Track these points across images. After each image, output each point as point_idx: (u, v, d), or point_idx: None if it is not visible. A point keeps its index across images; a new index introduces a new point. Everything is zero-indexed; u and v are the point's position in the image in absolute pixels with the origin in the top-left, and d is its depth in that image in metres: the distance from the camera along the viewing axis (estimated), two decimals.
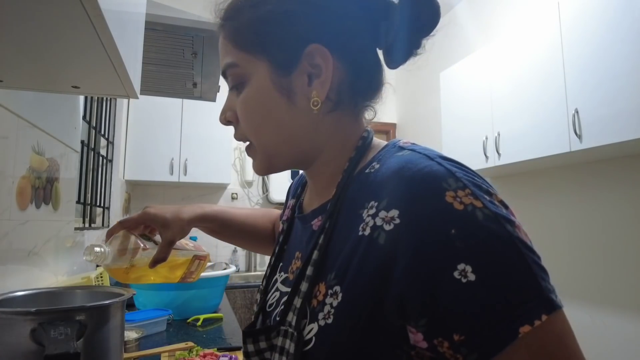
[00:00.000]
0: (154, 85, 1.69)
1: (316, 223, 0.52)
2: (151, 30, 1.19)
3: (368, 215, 0.42)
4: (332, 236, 0.46)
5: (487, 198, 0.37)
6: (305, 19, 0.47)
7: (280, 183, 3.55)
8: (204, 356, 1.04)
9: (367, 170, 0.46)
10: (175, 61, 1.45)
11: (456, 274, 0.35)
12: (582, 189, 2.15)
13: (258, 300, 0.58)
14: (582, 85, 1.80)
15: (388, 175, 0.42)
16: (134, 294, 0.76)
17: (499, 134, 2.26)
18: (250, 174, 3.61)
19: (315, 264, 0.45)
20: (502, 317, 0.34)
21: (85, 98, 1.91)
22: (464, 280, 0.34)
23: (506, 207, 0.38)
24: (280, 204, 3.69)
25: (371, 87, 0.51)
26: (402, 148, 0.46)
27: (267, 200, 3.70)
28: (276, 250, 0.60)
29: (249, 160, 3.60)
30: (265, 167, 0.52)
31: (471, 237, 0.35)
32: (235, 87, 0.50)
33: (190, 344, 1.16)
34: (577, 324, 1.91)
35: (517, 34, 2.19)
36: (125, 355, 1.06)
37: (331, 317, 0.41)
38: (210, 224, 0.76)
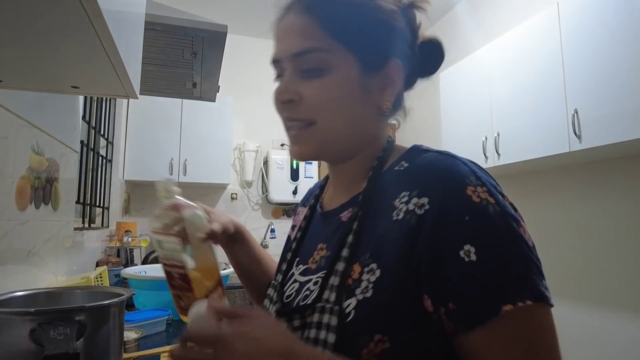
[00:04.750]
0: (153, 85, 1.69)
1: (345, 215, 0.56)
2: (151, 30, 1.19)
3: (401, 203, 0.48)
4: (364, 222, 0.51)
5: (500, 198, 0.45)
6: (396, 37, 0.54)
7: (280, 183, 3.54)
8: None
9: (396, 168, 0.54)
10: (175, 61, 1.45)
11: (461, 253, 0.42)
12: (582, 189, 2.15)
13: (273, 294, 0.60)
14: (581, 86, 1.80)
15: (419, 170, 0.50)
16: (134, 294, 0.76)
17: (498, 134, 2.26)
18: (250, 174, 3.60)
19: (350, 246, 0.50)
20: (490, 295, 0.40)
21: (85, 98, 1.91)
22: (466, 259, 0.41)
23: (515, 209, 0.45)
24: (280, 204, 3.69)
25: (402, 103, 0.61)
26: (427, 150, 0.53)
27: (267, 201, 3.70)
28: (293, 246, 0.64)
29: (248, 161, 3.60)
30: (315, 151, 0.56)
31: (480, 225, 0.42)
32: (310, 71, 0.53)
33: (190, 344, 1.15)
34: (577, 324, 1.90)
35: (517, 34, 2.19)
36: (125, 355, 1.06)
37: (370, 290, 0.45)
38: (237, 236, 0.73)
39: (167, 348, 1.13)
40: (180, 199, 0.59)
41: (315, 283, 0.52)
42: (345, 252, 0.50)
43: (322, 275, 0.51)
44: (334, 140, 0.55)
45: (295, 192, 3.55)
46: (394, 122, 0.63)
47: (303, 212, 0.71)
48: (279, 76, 0.59)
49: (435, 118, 3.26)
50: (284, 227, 3.74)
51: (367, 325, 0.44)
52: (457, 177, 0.45)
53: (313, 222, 0.64)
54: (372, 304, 0.45)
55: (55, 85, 0.85)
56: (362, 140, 0.57)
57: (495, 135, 2.28)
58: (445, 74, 2.75)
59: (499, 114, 2.28)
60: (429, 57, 0.59)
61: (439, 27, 3.52)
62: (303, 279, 0.56)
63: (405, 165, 0.53)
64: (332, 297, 0.47)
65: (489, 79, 2.36)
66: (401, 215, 0.47)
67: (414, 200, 0.46)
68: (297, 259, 0.61)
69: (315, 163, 3.64)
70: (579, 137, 1.79)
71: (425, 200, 0.45)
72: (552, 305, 0.42)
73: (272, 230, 3.67)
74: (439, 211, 0.44)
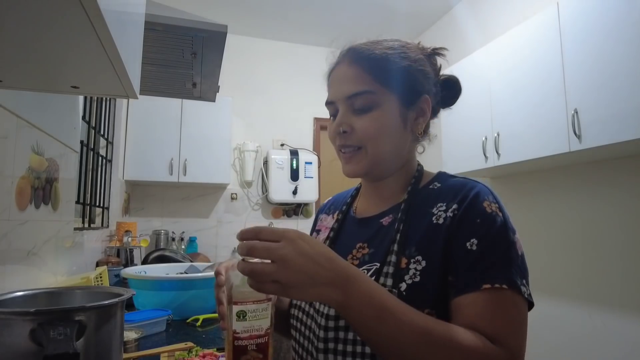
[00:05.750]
0: (153, 85, 1.69)
1: (386, 220, 0.70)
2: (151, 30, 1.19)
3: (439, 211, 0.63)
4: (407, 225, 0.65)
5: (507, 215, 0.61)
6: (424, 78, 0.70)
7: (280, 183, 3.55)
8: (204, 356, 1.04)
9: (430, 187, 0.70)
10: (174, 61, 1.45)
11: (468, 244, 0.58)
12: (581, 189, 2.15)
13: None
14: (581, 85, 1.80)
15: (452, 188, 0.65)
16: (134, 294, 0.76)
17: (498, 134, 2.26)
18: (250, 174, 3.60)
19: (399, 242, 0.63)
20: (477, 275, 0.56)
21: (85, 98, 1.91)
22: (469, 247, 0.58)
23: (515, 230, 0.60)
24: (280, 204, 3.70)
25: (428, 130, 0.75)
26: (453, 176, 0.70)
27: (267, 201, 3.70)
28: (326, 244, 0.75)
29: (248, 161, 3.60)
30: (364, 170, 0.69)
31: (487, 228, 0.58)
32: (361, 109, 0.67)
33: (190, 344, 1.16)
34: (577, 324, 1.89)
35: (517, 34, 2.19)
36: (125, 355, 1.06)
37: (418, 276, 0.59)
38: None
39: (167, 348, 1.13)
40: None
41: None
42: (395, 247, 0.63)
43: (373, 266, 0.64)
44: (380, 161, 0.69)
45: (295, 192, 3.55)
46: (421, 148, 0.77)
47: (326, 218, 0.83)
48: (332, 115, 0.72)
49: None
50: (284, 227, 3.73)
51: (418, 303, 0.55)
52: (479, 193, 0.62)
53: (346, 226, 0.77)
54: (420, 287, 0.58)
55: (55, 85, 0.85)
56: (400, 161, 0.71)
57: (495, 135, 2.28)
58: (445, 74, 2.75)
59: (499, 114, 2.28)
60: (449, 91, 0.75)
61: (438, 27, 3.52)
62: None
63: (438, 185, 0.69)
64: (389, 282, 0.60)
65: (489, 79, 2.36)
66: (441, 220, 0.62)
67: (450, 208, 0.62)
68: None
69: (314, 163, 3.65)
70: (579, 137, 1.79)
71: (456, 206, 0.62)
72: (529, 301, 0.57)
73: None
74: (462, 214, 0.60)
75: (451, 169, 2.62)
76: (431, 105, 0.71)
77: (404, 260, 0.61)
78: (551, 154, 1.93)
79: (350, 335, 0.60)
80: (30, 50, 0.64)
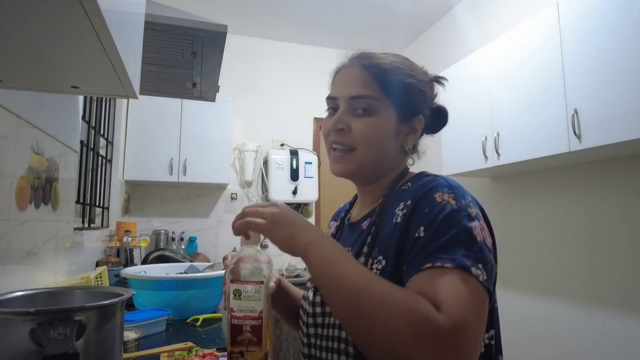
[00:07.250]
0: (153, 85, 1.69)
1: (365, 224, 0.74)
2: (151, 30, 1.19)
3: (399, 210, 0.65)
4: (379, 228, 0.68)
5: (463, 203, 0.60)
6: (423, 100, 0.75)
7: (280, 183, 3.54)
8: (204, 356, 1.04)
9: (403, 187, 0.71)
10: (174, 61, 1.45)
11: (416, 232, 0.59)
12: (581, 189, 2.15)
13: (308, 293, 0.75)
14: (581, 85, 1.80)
15: (415, 187, 0.67)
16: (134, 294, 0.76)
17: (498, 134, 2.26)
18: (250, 174, 3.60)
19: (369, 245, 0.67)
20: (422, 257, 0.56)
21: (85, 98, 1.91)
22: (417, 236, 0.58)
23: (476, 218, 0.59)
24: None
25: (417, 147, 0.79)
26: (427, 175, 0.70)
27: (267, 201, 3.69)
28: None
29: (248, 161, 3.60)
30: (351, 171, 0.73)
31: (434, 215, 0.58)
32: (362, 110, 0.71)
33: (190, 344, 1.16)
34: (577, 324, 1.89)
35: (517, 34, 2.18)
36: (125, 355, 1.06)
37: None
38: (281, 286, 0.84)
39: (167, 348, 1.13)
40: (256, 249, 0.65)
41: None
42: (365, 249, 0.67)
43: None
44: (367, 165, 0.72)
45: (295, 192, 3.55)
46: (410, 161, 0.81)
47: (334, 225, 0.89)
48: (330, 109, 0.76)
49: None
50: None
51: None
52: (433, 188, 0.62)
53: (342, 231, 0.82)
54: None
55: (55, 85, 0.85)
56: (385, 169, 0.75)
57: (495, 135, 2.28)
58: (445, 74, 2.75)
59: (499, 114, 2.28)
60: (437, 119, 0.78)
61: (438, 27, 3.52)
62: None
63: (409, 185, 0.69)
64: None
65: (489, 79, 2.36)
66: (399, 219, 0.64)
67: (406, 206, 0.64)
68: None
69: (314, 163, 3.65)
70: (579, 137, 1.79)
71: (409, 202, 0.64)
72: (485, 287, 0.54)
73: None
74: (413, 208, 0.62)
75: (451, 169, 2.62)
76: (423, 125, 0.75)
77: (370, 262, 0.65)
78: (551, 154, 1.93)
79: (328, 332, 0.66)
80: (30, 50, 0.64)
